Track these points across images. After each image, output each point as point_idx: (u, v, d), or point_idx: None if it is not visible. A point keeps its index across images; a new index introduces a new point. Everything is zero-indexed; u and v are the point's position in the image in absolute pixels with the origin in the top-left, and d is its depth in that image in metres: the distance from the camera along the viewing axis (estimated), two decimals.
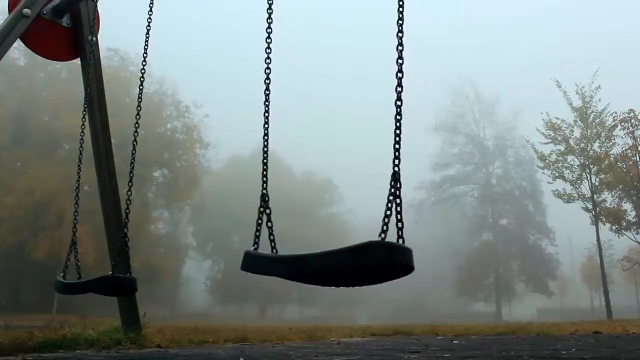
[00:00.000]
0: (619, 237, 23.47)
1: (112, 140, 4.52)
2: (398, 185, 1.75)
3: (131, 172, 3.67)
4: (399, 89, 1.89)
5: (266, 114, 2.40)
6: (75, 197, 3.89)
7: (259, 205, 2.15)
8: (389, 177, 1.77)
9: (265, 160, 2.34)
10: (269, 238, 2.13)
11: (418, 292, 52.88)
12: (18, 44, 4.10)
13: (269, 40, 2.43)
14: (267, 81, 2.40)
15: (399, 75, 1.90)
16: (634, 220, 22.78)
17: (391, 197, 1.73)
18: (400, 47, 1.93)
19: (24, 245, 28.88)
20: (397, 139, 1.84)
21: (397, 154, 1.81)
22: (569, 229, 47.74)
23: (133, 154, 3.69)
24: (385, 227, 1.69)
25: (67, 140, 30.54)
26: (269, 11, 2.46)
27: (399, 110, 1.87)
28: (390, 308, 49.96)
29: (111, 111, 4.61)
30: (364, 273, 1.81)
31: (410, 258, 1.68)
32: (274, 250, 2.07)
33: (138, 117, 3.70)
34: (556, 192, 24.11)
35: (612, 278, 34.00)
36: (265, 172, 2.29)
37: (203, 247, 52.94)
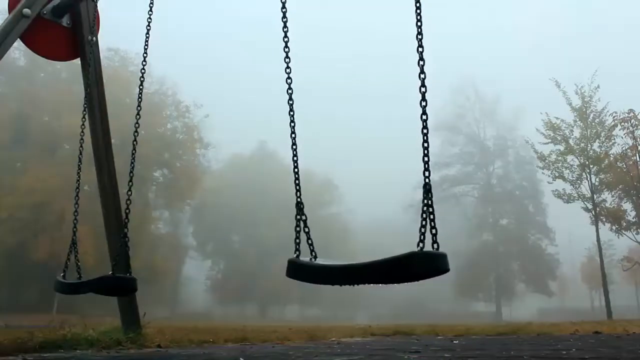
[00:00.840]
0: (618, 237, 23.46)
1: (112, 140, 4.52)
2: (430, 196, 1.88)
3: (131, 172, 3.67)
4: (423, 103, 1.96)
5: (292, 124, 2.44)
6: (75, 197, 3.89)
7: (295, 213, 2.26)
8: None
9: (296, 169, 2.43)
10: (307, 243, 2.23)
11: (418, 292, 52.85)
12: (18, 44, 4.10)
13: (286, 50, 2.45)
14: (290, 91, 2.44)
15: (422, 89, 1.97)
16: (634, 220, 22.77)
17: (425, 208, 1.86)
18: (421, 62, 1.99)
19: (24, 245, 28.88)
20: (426, 152, 1.94)
21: (426, 166, 1.92)
22: (569, 229, 47.76)
23: (133, 154, 3.68)
24: (422, 237, 1.82)
25: (67, 140, 30.55)
26: (283, 10, 2.48)
27: (424, 124, 1.95)
28: (390, 308, 49.97)
29: (111, 111, 4.60)
30: (405, 279, 1.94)
31: (447, 262, 1.83)
32: (313, 253, 2.17)
33: (138, 117, 3.69)
34: (556, 192, 24.11)
35: (612, 278, 33.99)
36: (297, 181, 2.40)
37: (203, 247, 52.94)
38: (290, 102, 2.45)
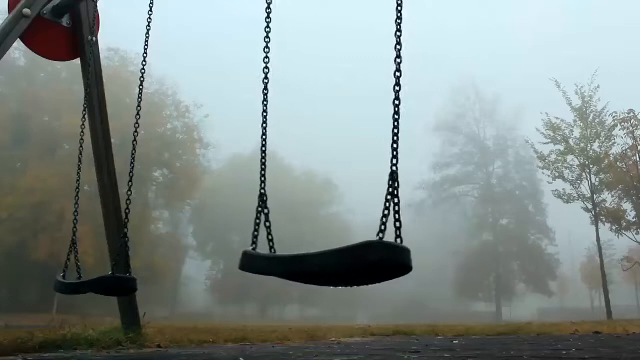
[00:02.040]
0: (618, 237, 23.47)
1: (112, 140, 4.52)
2: (396, 185, 1.75)
3: (131, 172, 3.66)
4: (397, 87, 1.88)
5: (264, 114, 2.40)
6: (75, 197, 3.89)
7: (257, 205, 2.15)
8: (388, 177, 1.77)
9: (263, 160, 2.32)
10: (267, 238, 2.12)
11: (418, 292, 52.87)
12: (18, 44, 4.10)
13: (267, 40, 2.43)
14: (266, 80, 2.40)
15: (397, 74, 1.89)
16: (634, 220, 22.77)
17: (389, 197, 1.73)
18: (398, 47, 1.92)
19: (25, 245, 28.89)
20: (395, 138, 1.83)
21: (395, 153, 1.81)
22: (569, 229, 47.78)
23: (133, 154, 3.68)
24: (383, 227, 1.69)
25: (67, 140, 30.55)
26: (267, 10, 2.46)
27: (397, 109, 1.86)
28: (390, 308, 49.95)
29: (111, 111, 4.60)
30: (362, 273, 1.80)
31: (409, 258, 1.67)
32: (272, 250, 2.07)
33: (138, 117, 3.69)
34: (556, 192, 24.13)
35: (612, 278, 33.95)
36: (263, 172, 2.28)
37: (203, 247, 52.95)
38: (265, 91, 2.41)
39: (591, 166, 23.13)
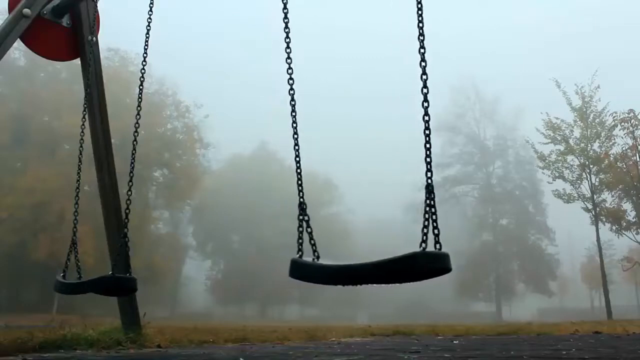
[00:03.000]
0: (618, 237, 23.47)
1: (112, 140, 4.52)
2: (432, 196, 1.88)
3: (131, 172, 3.66)
4: (425, 104, 1.96)
5: (294, 125, 2.44)
6: (75, 197, 3.89)
7: (298, 213, 2.25)
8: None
9: (298, 170, 2.42)
10: (310, 243, 2.22)
11: (418, 292, 52.83)
12: (18, 44, 4.10)
13: (288, 51, 2.46)
14: (292, 92, 2.45)
15: (424, 90, 1.97)
16: (634, 220, 22.77)
17: (427, 208, 1.86)
18: (423, 63, 1.99)
19: (25, 245, 28.89)
20: (428, 152, 1.94)
21: (428, 167, 1.93)
22: (569, 229, 47.77)
23: (133, 154, 3.68)
24: (424, 237, 1.83)
25: (67, 140, 30.54)
26: (284, 11, 2.49)
27: (427, 125, 1.95)
28: (390, 308, 49.95)
29: (111, 111, 4.60)
30: (408, 280, 1.95)
31: (449, 262, 1.83)
32: (316, 254, 2.17)
33: (138, 117, 3.69)
34: (556, 192, 24.12)
35: (612, 278, 33.97)
36: (300, 182, 2.39)
37: (203, 247, 52.94)
38: (293, 102, 2.45)
39: (591, 166, 23.13)
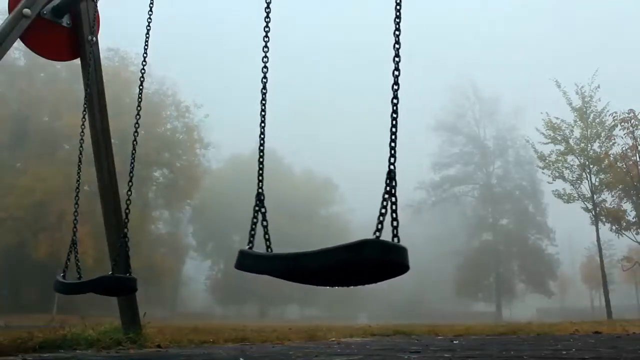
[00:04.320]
0: (619, 237, 23.46)
1: (112, 140, 4.52)
2: (393, 184, 1.73)
3: (131, 172, 3.67)
4: (395, 86, 1.87)
5: (262, 113, 2.39)
6: (76, 197, 3.89)
7: (254, 204, 2.15)
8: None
9: (261, 159, 2.31)
10: (264, 237, 2.12)
11: (418, 292, 52.90)
12: (18, 44, 4.10)
13: (266, 39, 2.43)
14: (264, 80, 2.40)
15: (396, 73, 1.88)
16: (634, 220, 22.76)
17: (386, 196, 1.72)
18: (397, 45, 1.92)
19: (24, 245, 28.89)
20: (393, 137, 1.82)
21: (392, 152, 1.80)
22: (569, 229, 47.76)
23: (133, 154, 3.68)
24: (380, 226, 1.68)
25: (67, 140, 30.56)
26: (267, 10, 2.46)
27: (395, 108, 1.86)
28: (390, 308, 49.97)
29: (111, 111, 4.61)
30: (359, 272, 1.80)
31: (405, 257, 1.65)
32: (269, 249, 2.06)
33: (138, 117, 3.69)
34: (556, 192, 24.13)
35: (612, 278, 33.99)
36: (261, 171, 2.29)
37: (203, 247, 52.95)
38: (264, 90, 2.41)
39: (591, 166, 23.13)
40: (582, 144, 23.32)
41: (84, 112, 4.15)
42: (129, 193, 3.58)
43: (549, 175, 24.09)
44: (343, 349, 3.91)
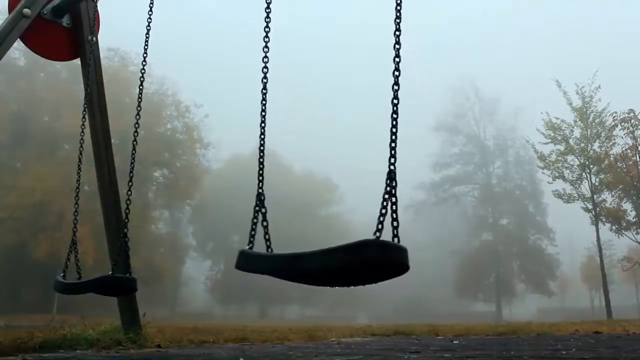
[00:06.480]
0: (619, 237, 23.47)
1: (112, 140, 4.52)
2: (393, 184, 1.74)
3: (131, 172, 3.67)
4: (395, 87, 1.87)
5: (263, 113, 2.39)
6: (76, 197, 3.89)
7: (254, 204, 2.14)
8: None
9: (261, 159, 2.31)
10: (264, 237, 2.11)
11: (418, 292, 52.86)
12: (18, 44, 4.10)
13: (266, 39, 2.42)
14: (264, 80, 2.39)
15: (396, 73, 1.88)
16: (634, 220, 22.77)
17: (386, 196, 1.72)
18: (397, 46, 1.91)
19: (24, 245, 28.88)
20: (393, 137, 1.83)
21: (393, 152, 1.80)
22: (569, 229, 47.77)
23: (133, 154, 3.68)
24: (380, 226, 1.69)
25: (67, 140, 30.55)
26: (267, 10, 2.45)
27: (395, 108, 1.86)
28: (390, 308, 49.97)
29: (111, 111, 4.61)
30: (359, 272, 1.79)
31: (405, 257, 1.66)
32: (269, 250, 2.05)
33: (138, 117, 3.69)
34: (556, 192, 24.14)
35: (612, 278, 33.99)
36: (261, 172, 2.28)
37: (203, 247, 52.95)
38: (264, 91, 2.40)
39: (591, 166, 23.14)
40: (582, 144, 23.33)
41: (84, 112, 4.15)
42: (129, 193, 3.58)
43: (549, 175, 24.12)
44: (343, 349, 3.91)
